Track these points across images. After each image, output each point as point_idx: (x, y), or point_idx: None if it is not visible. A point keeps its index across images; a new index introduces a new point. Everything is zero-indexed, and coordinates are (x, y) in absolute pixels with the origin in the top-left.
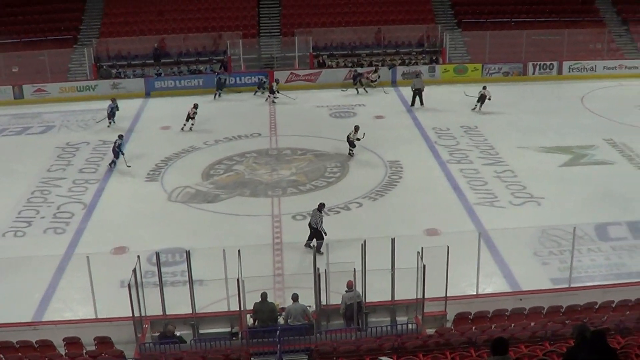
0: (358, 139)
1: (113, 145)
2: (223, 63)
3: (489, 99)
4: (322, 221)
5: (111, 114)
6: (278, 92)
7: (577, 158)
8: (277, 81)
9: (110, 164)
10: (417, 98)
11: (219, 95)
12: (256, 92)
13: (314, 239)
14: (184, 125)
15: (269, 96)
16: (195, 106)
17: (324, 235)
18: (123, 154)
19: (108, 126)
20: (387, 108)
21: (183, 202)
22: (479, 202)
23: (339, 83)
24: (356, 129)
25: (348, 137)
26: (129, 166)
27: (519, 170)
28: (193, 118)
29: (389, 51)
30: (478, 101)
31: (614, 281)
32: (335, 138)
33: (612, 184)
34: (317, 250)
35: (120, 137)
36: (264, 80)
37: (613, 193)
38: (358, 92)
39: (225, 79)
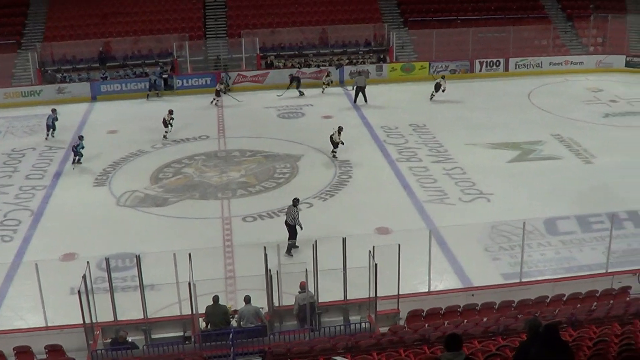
0: (342, 143)
1: (73, 145)
2: (161, 66)
3: (443, 91)
4: (298, 216)
5: (51, 125)
6: (224, 93)
7: (525, 154)
8: (225, 82)
9: (73, 162)
10: (361, 95)
11: (148, 98)
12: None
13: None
14: (165, 132)
15: (214, 99)
16: (170, 112)
17: (299, 229)
18: (81, 155)
19: (46, 138)
20: (335, 108)
21: (132, 206)
22: (429, 199)
23: (287, 84)
24: (340, 130)
25: (331, 138)
26: (74, 168)
27: (468, 167)
28: (171, 124)
29: (336, 51)
30: (436, 90)
31: (564, 275)
32: (284, 139)
33: (560, 179)
34: (288, 251)
35: (81, 137)
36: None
37: (561, 188)
38: (301, 94)
39: (155, 80)
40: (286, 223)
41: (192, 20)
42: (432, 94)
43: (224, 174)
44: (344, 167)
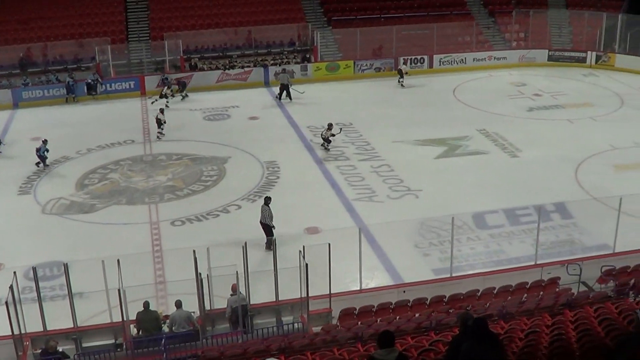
0: (333, 135)
1: (37, 148)
2: (70, 72)
3: (407, 73)
4: (271, 216)
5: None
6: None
7: (451, 149)
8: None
9: (37, 164)
10: (285, 93)
11: (67, 101)
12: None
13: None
14: (159, 132)
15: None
16: (161, 110)
17: (272, 229)
18: (46, 158)
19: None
20: (261, 109)
21: (58, 214)
22: (358, 197)
23: (212, 85)
24: (329, 126)
25: (322, 135)
26: (42, 169)
27: (396, 164)
28: (163, 122)
29: (260, 51)
30: (400, 77)
31: (494, 268)
32: (211, 141)
33: (487, 173)
34: (267, 247)
35: (45, 141)
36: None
37: (488, 182)
38: (167, 100)
39: (73, 84)
40: (261, 223)
41: (114, 24)
42: (400, 82)
43: (150, 179)
44: (272, 168)
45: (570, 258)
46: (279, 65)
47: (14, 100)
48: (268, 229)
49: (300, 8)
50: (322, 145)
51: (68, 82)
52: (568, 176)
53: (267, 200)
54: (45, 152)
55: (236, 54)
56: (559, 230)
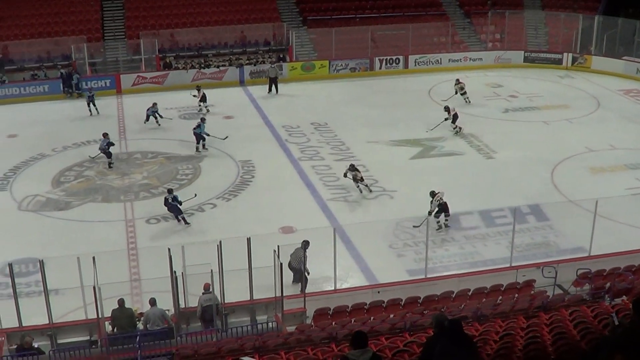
0: (362, 180)
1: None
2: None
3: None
4: (305, 260)
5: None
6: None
7: (427, 150)
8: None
9: (109, 165)
10: (273, 86)
11: (70, 96)
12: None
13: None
14: (202, 107)
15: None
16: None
17: (306, 275)
18: (110, 154)
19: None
20: (237, 108)
21: (34, 210)
22: (332, 197)
23: (187, 84)
24: (352, 167)
25: (354, 178)
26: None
27: (371, 165)
28: (160, 116)
29: (235, 51)
30: (462, 94)
31: (469, 270)
32: (186, 140)
33: (462, 174)
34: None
35: (105, 135)
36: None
37: (464, 183)
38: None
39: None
40: (290, 265)
41: (90, 22)
42: (465, 99)
43: (125, 177)
44: (247, 167)
45: (545, 260)
46: (254, 64)
47: None
48: (300, 274)
49: (275, 7)
50: (358, 187)
51: (72, 77)
52: (544, 178)
53: (306, 245)
54: (107, 146)
55: (211, 53)
56: (534, 232)
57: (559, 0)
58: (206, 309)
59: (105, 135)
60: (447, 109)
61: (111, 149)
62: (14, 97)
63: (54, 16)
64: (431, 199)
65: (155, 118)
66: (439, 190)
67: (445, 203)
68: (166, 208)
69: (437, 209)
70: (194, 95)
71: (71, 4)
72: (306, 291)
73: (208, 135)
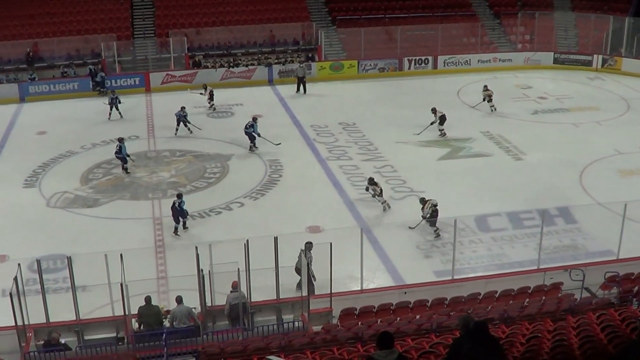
0: (381, 195)
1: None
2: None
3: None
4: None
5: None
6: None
7: (455, 151)
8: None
9: (124, 170)
10: (301, 85)
11: (100, 93)
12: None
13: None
14: (214, 105)
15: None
16: (205, 86)
17: (313, 280)
18: (128, 156)
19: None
20: (265, 107)
21: (62, 207)
22: (360, 197)
23: (216, 83)
24: (370, 181)
25: (374, 193)
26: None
27: (399, 165)
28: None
29: (264, 50)
30: (488, 101)
31: (496, 272)
32: (214, 138)
33: (491, 176)
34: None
35: (121, 140)
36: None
37: (492, 184)
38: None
39: (103, 78)
40: (296, 268)
41: (120, 20)
42: (491, 108)
43: (154, 174)
44: (275, 166)
45: (573, 263)
46: (283, 64)
47: (20, 95)
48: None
49: (305, 7)
50: (383, 205)
51: (96, 75)
52: (572, 180)
53: (309, 246)
54: (123, 150)
55: (240, 52)
56: (562, 234)
57: (589, 1)
58: (234, 307)
59: (120, 140)
60: (433, 110)
61: (127, 152)
62: (44, 94)
63: (84, 14)
64: (422, 205)
65: (186, 125)
66: (429, 198)
67: (438, 210)
68: (171, 212)
69: (429, 213)
70: (201, 94)
71: (101, 2)
72: (333, 291)
73: (259, 135)
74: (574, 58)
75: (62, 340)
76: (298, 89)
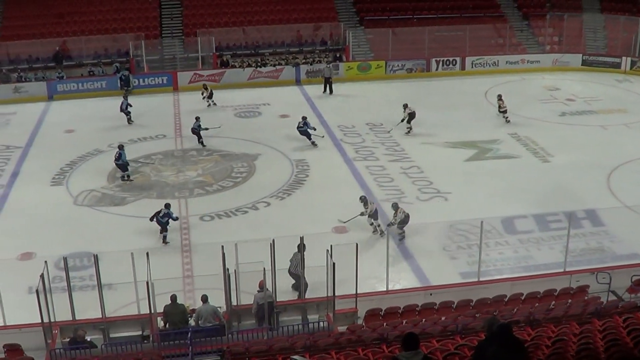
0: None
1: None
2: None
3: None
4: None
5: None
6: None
7: (482, 152)
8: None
9: (123, 177)
10: (327, 86)
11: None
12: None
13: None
14: (211, 103)
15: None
16: (205, 86)
17: (303, 281)
18: (128, 164)
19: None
20: (292, 107)
21: (89, 205)
22: (386, 198)
23: (243, 83)
24: (395, 207)
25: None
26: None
27: (425, 166)
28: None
29: (292, 49)
30: (502, 112)
31: (522, 274)
32: (241, 138)
33: (518, 178)
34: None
35: (121, 147)
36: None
37: (519, 186)
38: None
39: (128, 76)
40: (289, 271)
41: (148, 20)
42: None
43: (180, 173)
44: (301, 166)
45: (600, 266)
46: (311, 64)
47: (49, 93)
48: (298, 279)
49: (333, 7)
50: (375, 227)
51: (122, 75)
52: (600, 183)
53: (301, 247)
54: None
55: (268, 52)
56: (589, 237)
57: (618, 3)
58: (262, 306)
59: (120, 147)
60: (405, 106)
61: (126, 160)
62: (72, 92)
63: (112, 13)
64: (394, 211)
65: (200, 137)
66: (400, 205)
67: (408, 215)
68: (155, 220)
69: (401, 218)
70: (202, 94)
71: (130, 1)
72: (358, 291)
73: (314, 129)
74: (602, 60)
75: (88, 338)
76: (325, 90)
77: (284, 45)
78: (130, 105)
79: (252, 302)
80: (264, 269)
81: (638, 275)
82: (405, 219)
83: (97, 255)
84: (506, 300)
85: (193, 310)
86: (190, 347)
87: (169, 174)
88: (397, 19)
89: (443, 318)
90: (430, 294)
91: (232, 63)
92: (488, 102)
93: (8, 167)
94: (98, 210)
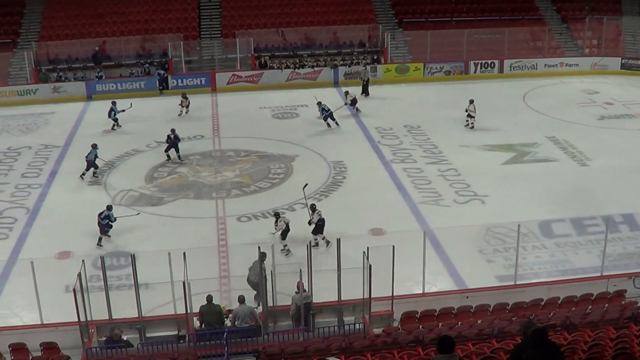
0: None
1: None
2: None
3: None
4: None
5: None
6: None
7: (520, 156)
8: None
9: (90, 174)
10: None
11: (161, 93)
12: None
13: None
14: (183, 112)
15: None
16: (184, 95)
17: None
18: (96, 166)
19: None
20: (330, 108)
21: (127, 205)
22: (424, 201)
23: (282, 84)
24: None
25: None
26: (87, 178)
27: (463, 169)
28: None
29: (330, 51)
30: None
31: (559, 278)
32: (279, 139)
33: (555, 181)
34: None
35: (94, 146)
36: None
37: (556, 190)
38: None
39: (165, 76)
40: (248, 280)
41: (187, 21)
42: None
43: (218, 174)
44: (338, 168)
45: (637, 271)
46: (349, 65)
47: (87, 93)
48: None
49: (371, 9)
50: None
51: (157, 73)
52: (638, 187)
53: (263, 256)
54: (94, 158)
55: (306, 54)
56: (626, 242)
57: None
58: (300, 308)
59: (93, 146)
60: (346, 93)
61: (97, 162)
62: (110, 92)
63: (151, 14)
64: (311, 212)
65: (178, 150)
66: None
67: (324, 220)
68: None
69: (317, 220)
70: (181, 103)
71: (169, 2)
72: (395, 294)
73: (123, 110)
74: None
75: (124, 337)
76: (363, 92)
77: (322, 47)
78: (123, 111)
79: (289, 304)
80: (300, 270)
81: None
82: (322, 225)
83: (134, 254)
84: (543, 304)
85: (229, 311)
86: (226, 348)
87: (207, 175)
88: (435, 21)
89: (479, 321)
90: (467, 297)
91: (270, 64)
92: (526, 106)
93: (47, 166)
94: (135, 210)
